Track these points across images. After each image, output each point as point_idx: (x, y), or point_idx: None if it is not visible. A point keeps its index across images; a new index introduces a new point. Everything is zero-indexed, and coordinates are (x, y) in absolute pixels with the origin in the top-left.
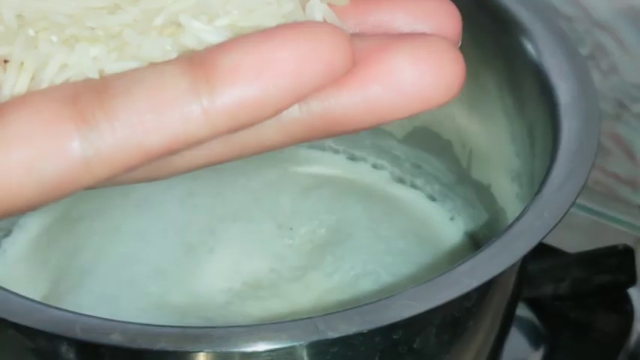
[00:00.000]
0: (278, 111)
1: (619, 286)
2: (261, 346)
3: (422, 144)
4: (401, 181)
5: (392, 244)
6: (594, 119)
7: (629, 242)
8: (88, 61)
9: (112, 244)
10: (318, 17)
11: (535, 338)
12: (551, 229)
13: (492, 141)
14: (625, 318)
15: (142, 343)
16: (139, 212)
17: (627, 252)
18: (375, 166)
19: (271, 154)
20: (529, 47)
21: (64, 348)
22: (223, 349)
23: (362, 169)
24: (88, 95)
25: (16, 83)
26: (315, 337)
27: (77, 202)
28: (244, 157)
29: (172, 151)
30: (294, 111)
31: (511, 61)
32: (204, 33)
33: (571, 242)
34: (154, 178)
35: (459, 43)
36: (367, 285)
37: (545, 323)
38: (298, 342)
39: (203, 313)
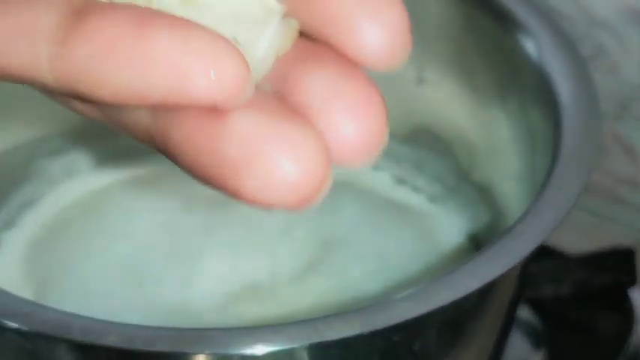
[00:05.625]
0: (116, 97)
1: (620, 287)
2: (261, 349)
3: (422, 145)
4: (401, 182)
5: (392, 245)
6: (595, 119)
7: (630, 242)
8: None
9: (108, 245)
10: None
11: (536, 339)
12: (553, 231)
13: (493, 142)
14: (626, 319)
15: (140, 345)
16: (135, 213)
17: (628, 252)
18: (375, 167)
19: None
20: (529, 47)
21: (61, 349)
22: (222, 352)
23: (362, 169)
24: None
25: None
26: (314, 339)
27: (75, 202)
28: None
29: (17, 80)
30: (143, 115)
31: (511, 61)
32: None
33: (571, 243)
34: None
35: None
36: (367, 287)
37: (545, 324)
38: (298, 344)
39: (201, 316)
